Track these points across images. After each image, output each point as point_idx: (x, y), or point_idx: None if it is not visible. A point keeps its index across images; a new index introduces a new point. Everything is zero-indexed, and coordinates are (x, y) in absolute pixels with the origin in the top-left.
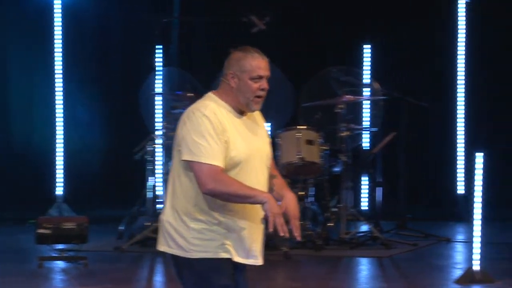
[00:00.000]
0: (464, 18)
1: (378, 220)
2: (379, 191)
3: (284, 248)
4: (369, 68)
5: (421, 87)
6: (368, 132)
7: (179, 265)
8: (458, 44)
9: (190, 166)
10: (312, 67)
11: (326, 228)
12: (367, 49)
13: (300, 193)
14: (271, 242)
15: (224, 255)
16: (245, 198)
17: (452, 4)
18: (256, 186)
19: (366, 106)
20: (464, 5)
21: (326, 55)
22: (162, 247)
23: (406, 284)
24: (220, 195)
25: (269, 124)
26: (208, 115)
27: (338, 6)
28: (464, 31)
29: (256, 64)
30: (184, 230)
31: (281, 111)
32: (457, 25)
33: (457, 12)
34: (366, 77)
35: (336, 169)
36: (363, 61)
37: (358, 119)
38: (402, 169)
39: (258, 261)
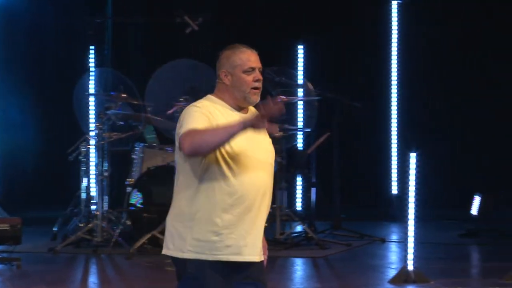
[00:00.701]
0: (397, 19)
1: (312, 221)
2: (313, 192)
3: None
4: (303, 68)
5: (355, 87)
6: (302, 132)
7: (176, 266)
8: (391, 44)
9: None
10: None
11: None
12: (300, 49)
13: None
14: None
15: (221, 257)
16: (225, 133)
17: (385, 4)
18: (256, 183)
19: (300, 106)
20: (397, 6)
21: (259, 55)
22: (163, 250)
23: (341, 284)
24: (201, 145)
25: None
26: (200, 106)
27: (271, 6)
28: (397, 31)
29: (246, 57)
30: (183, 230)
31: None
32: (390, 25)
33: (390, 12)
34: (300, 78)
35: None
36: (296, 62)
37: (292, 119)
38: (336, 169)
39: (256, 257)
